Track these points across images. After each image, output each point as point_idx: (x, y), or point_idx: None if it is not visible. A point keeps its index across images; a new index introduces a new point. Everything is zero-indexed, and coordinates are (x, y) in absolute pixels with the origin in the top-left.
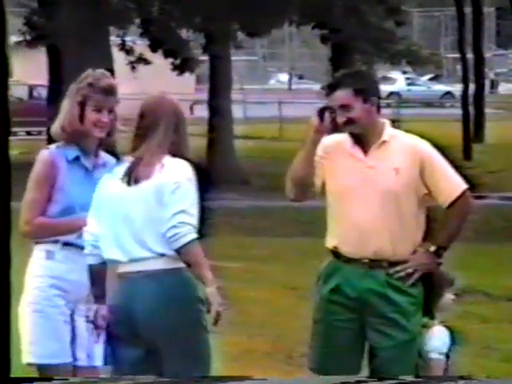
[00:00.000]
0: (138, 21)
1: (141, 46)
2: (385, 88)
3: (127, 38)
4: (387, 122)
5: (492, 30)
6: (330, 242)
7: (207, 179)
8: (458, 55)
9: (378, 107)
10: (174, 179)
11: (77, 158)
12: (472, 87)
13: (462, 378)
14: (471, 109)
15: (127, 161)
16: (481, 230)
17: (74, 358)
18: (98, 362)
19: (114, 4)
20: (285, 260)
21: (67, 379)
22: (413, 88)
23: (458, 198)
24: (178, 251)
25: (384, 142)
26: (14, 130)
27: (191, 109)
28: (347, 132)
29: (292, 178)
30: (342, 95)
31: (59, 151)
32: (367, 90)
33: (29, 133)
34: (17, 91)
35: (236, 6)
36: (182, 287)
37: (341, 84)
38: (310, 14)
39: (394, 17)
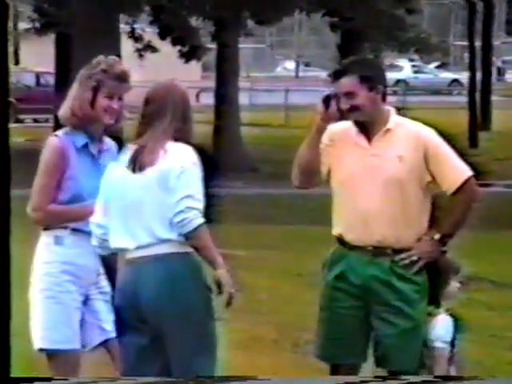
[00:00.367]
0: (148, 8)
1: (149, 33)
2: (392, 75)
3: (136, 26)
4: (392, 110)
5: (502, 17)
6: (336, 229)
7: (212, 164)
8: (464, 43)
9: (384, 95)
10: (179, 164)
11: (85, 145)
12: (479, 75)
13: (465, 378)
14: (478, 96)
15: (132, 148)
16: (486, 218)
17: (83, 345)
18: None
19: None
20: (292, 247)
21: (67, 379)
22: (420, 75)
23: (463, 185)
24: (187, 236)
25: (389, 129)
26: (21, 117)
27: (198, 96)
28: (352, 120)
29: (298, 165)
30: (347, 82)
31: (68, 138)
32: (373, 78)
33: (36, 120)
34: (24, 78)
35: None
36: (188, 271)
37: (347, 71)
38: (319, 1)
39: (405, 4)
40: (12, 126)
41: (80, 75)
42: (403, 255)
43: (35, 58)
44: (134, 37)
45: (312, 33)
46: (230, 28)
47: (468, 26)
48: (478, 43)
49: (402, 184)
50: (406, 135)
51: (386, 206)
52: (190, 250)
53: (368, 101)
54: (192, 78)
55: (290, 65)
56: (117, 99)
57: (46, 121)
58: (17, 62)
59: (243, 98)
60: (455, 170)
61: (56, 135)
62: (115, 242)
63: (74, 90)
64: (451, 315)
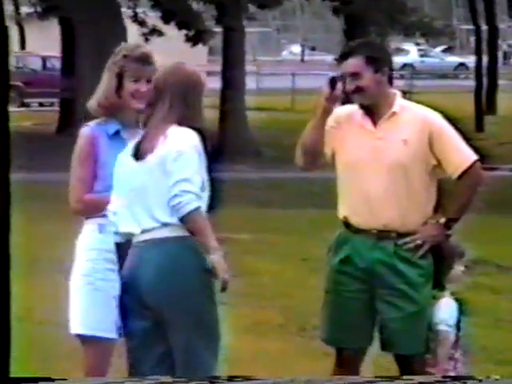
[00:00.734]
0: None
1: (153, 17)
2: (398, 59)
3: (138, 10)
4: (398, 94)
5: (504, 1)
6: (341, 212)
7: (216, 149)
8: (470, 27)
9: (390, 79)
10: (176, 147)
11: (117, 132)
12: (485, 59)
13: (471, 378)
14: (484, 80)
15: (138, 135)
16: (492, 202)
17: (119, 335)
18: None
19: None
20: (297, 232)
21: (66, 379)
22: (426, 59)
23: (468, 169)
24: (181, 219)
25: (394, 113)
26: (26, 101)
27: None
28: (357, 102)
29: (302, 146)
30: (354, 63)
31: (99, 127)
32: (379, 60)
33: (41, 104)
34: (30, 62)
35: None
36: (187, 255)
37: (353, 52)
38: None
39: None
40: (18, 110)
41: (106, 66)
42: (407, 239)
43: (42, 42)
44: (138, 21)
45: (317, 17)
46: (232, 12)
47: (470, 9)
48: (484, 27)
49: (406, 168)
50: (412, 119)
51: (390, 190)
52: None
53: (373, 82)
54: (199, 62)
55: (296, 49)
56: (144, 82)
57: (52, 105)
58: (23, 47)
59: (250, 82)
60: (460, 154)
61: (87, 125)
62: (123, 227)
63: (102, 81)
64: (456, 299)
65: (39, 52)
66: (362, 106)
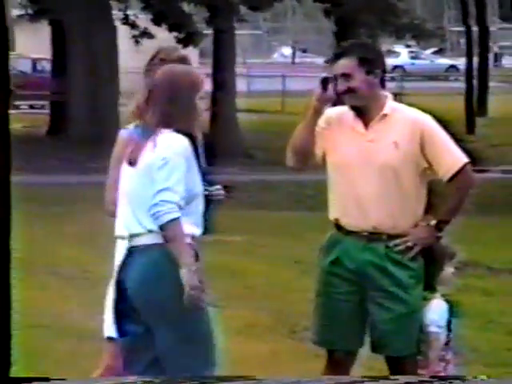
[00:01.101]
0: None
1: (144, 20)
2: (389, 62)
3: (129, 12)
4: (389, 96)
5: (495, 3)
6: (332, 213)
7: (208, 153)
8: (461, 28)
9: (382, 81)
10: (163, 155)
11: None
12: (476, 61)
13: (457, 378)
14: (475, 82)
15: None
16: (483, 204)
17: None
18: None
19: None
20: (288, 234)
21: (65, 379)
22: (416, 62)
23: (459, 171)
24: (161, 228)
25: (385, 115)
26: (16, 103)
27: None
28: (348, 103)
29: (292, 146)
30: (346, 63)
31: (136, 130)
32: (371, 62)
33: (32, 106)
34: (20, 65)
35: None
36: (167, 262)
37: (346, 53)
38: None
39: None
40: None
41: (144, 70)
42: (398, 241)
43: (31, 45)
44: (129, 23)
45: (308, 19)
46: (223, 14)
47: (462, 11)
48: (474, 29)
49: (397, 170)
50: (403, 121)
51: (381, 192)
52: None
53: (364, 84)
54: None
55: (287, 51)
56: None
57: (42, 107)
58: (12, 49)
59: (240, 85)
60: (451, 157)
61: (125, 128)
62: (117, 231)
63: (141, 86)
64: (447, 300)
65: (29, 54)
66: (353, 108)
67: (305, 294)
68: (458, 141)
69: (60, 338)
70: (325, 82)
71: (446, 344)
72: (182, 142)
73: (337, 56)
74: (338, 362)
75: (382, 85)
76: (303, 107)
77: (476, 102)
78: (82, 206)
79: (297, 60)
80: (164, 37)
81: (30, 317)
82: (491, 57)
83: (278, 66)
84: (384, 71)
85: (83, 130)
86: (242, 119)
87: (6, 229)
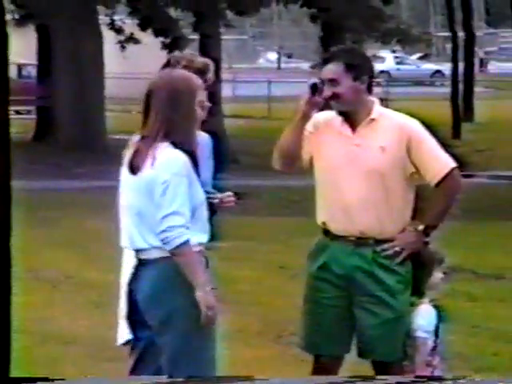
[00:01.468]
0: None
1: (130, 25)
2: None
3: (116, 17)
4: (376, 101)
5: (481, 8)
6: (319, 218)
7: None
8: (447, 34)
9: (370, 87)
10: (163, 178)
11: None
12: (462, 66)
13: (442, 379)
14: (461, 87)
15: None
16: (469, 209)
17: None
18: None
19: None
20: (274, 239)
21: (64, 379)
22: (402, 67)
23: (446, 176)
24: (171, 253)
25: (372, 120)
26: None
27: None
28: (334, 108)
29: (280, 149)
30: (333, 69)
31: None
32: (359, 68)
33: (18, 112)
34: None
35: None
36: (179, 275)
37: (334, 58)
38: None
39: None
40: None
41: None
42: (385, 246)
43: (17, 50)
44: (115, 28)
45: (293, 24)
46: (210, 19)
47: (448, 18)
48: (460, 34)
49: (383, 175)
50: (390, 126)
51: (368, 197)
52: None
53: (350, 90)
54: None
55: (273, 56)
56: (205, 92)
57: (28, 112)
58: None
59: (226, 90)
60: (438, 162)
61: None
62: (122, 242)
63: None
64: (434, 306)
65: (15, 60)
66: (341, 113)
67: (292, 299)
68: (444, 146)
69: (43, 344)
70: (314, 87)
71: (433, 349)
72: (180, 159)
73: (324, 61)
74: (325, 367)
75: (369, 90)
76: (290, 113)
77: (462, 107)
78: (69, 211)
79: (282, 65)
80: (150, 42)
81: (14, 322)
82: (477, 62)
83: (263, 71)
84: (371, 77)
85: (70, 135)
86: (228, 125)
87: (6, 230)
